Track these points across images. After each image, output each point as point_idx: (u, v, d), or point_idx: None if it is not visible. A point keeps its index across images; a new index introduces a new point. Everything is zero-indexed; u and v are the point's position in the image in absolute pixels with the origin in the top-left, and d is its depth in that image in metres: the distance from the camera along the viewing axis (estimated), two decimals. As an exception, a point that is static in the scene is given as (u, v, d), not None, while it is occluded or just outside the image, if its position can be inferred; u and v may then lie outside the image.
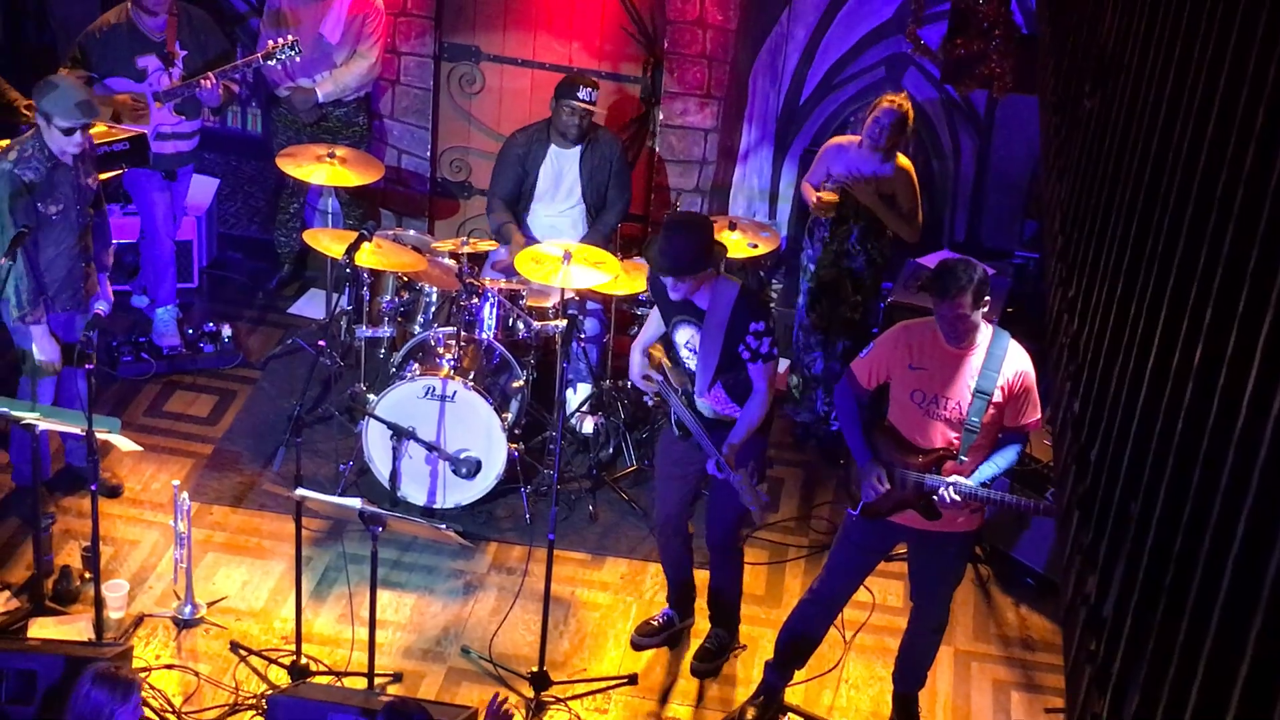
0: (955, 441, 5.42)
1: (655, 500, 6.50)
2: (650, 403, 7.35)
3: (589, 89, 7.60)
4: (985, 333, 5.43)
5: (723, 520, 6.15)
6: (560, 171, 7.77)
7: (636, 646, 6.52)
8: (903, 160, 7.40)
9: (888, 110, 7.23)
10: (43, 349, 6.48)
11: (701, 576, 6.48)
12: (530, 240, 7.65)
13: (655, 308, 6.01)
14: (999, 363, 5.37)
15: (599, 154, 7.76)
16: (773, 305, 8.64)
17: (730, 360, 5.68)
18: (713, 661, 6.42)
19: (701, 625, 6.54)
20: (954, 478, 5.39)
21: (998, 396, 5.36)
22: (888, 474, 5.49)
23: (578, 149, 7.72)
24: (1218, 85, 2.59)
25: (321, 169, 7.65)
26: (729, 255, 7.31)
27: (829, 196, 7.37)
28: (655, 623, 6.56)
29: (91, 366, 5.76)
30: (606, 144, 7.80)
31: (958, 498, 5.38)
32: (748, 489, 5.62)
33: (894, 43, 8.27)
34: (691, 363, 5.82)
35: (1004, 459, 5.49)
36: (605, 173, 7.78)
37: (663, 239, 5.63)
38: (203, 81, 7.50)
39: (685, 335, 5.82)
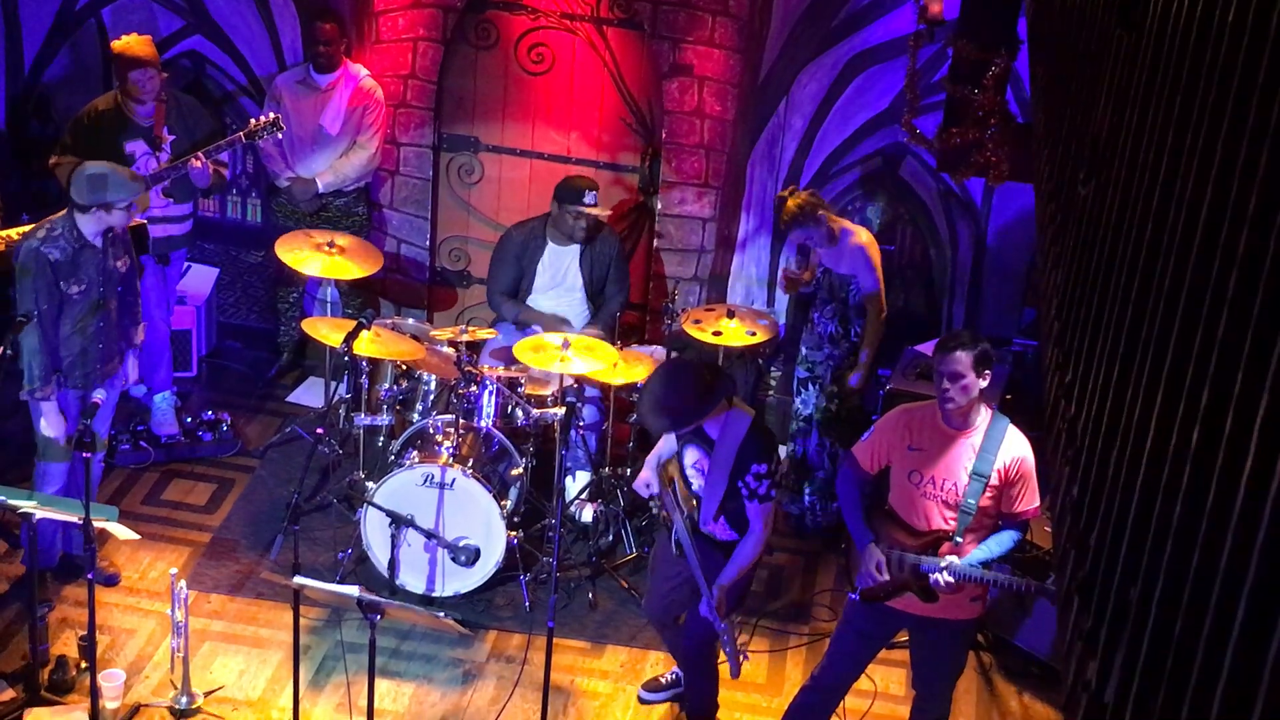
0: (952, 523, 5.42)
1: (645, 592, 6.57)
2: (654, 509, 7.27)
3: (593, 192, 7.67)
4: (984, 415, 5.45)
5: (700, 633, 6.05)
6: (559, 267, 7.83)
7: (643, 701, 6.56)
8: (859, 238, 7.47)
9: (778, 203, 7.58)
10: (50, 424, 6.50)
11: None
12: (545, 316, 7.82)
13: None
14: (997, 445, 5.38)
15: (598, 250, 7.84)
16: (772, 393, 8.66)
17: (735, 493, 5.69)
18: None
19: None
20: (949, 558, 5.38)
21: (994, 479, 5.37)
22: (886, 558, 5.49)
23: (577, 247, 7.78)
24: (1210, 173, 2.61)
25: (319, 258, 7.65)
26: (728, 344, 7.36)
27: (808, 275, 7.56)
28: (663, 680, 6.61)
29: (90, 455, 5.76)
30: (605, 240, 7.89)
31: (951, 580, 5.37)
32: (730, 644, 5.70)
33: (890, 133, 8.34)
34: (697, 484, 5.82)
35: (998, 544, 5.46)
36: (604, 267, 7.87)
37: (652, 396, 5.59)
38: (193, 161, 7.53)
39: (693, 456, 5.81)
